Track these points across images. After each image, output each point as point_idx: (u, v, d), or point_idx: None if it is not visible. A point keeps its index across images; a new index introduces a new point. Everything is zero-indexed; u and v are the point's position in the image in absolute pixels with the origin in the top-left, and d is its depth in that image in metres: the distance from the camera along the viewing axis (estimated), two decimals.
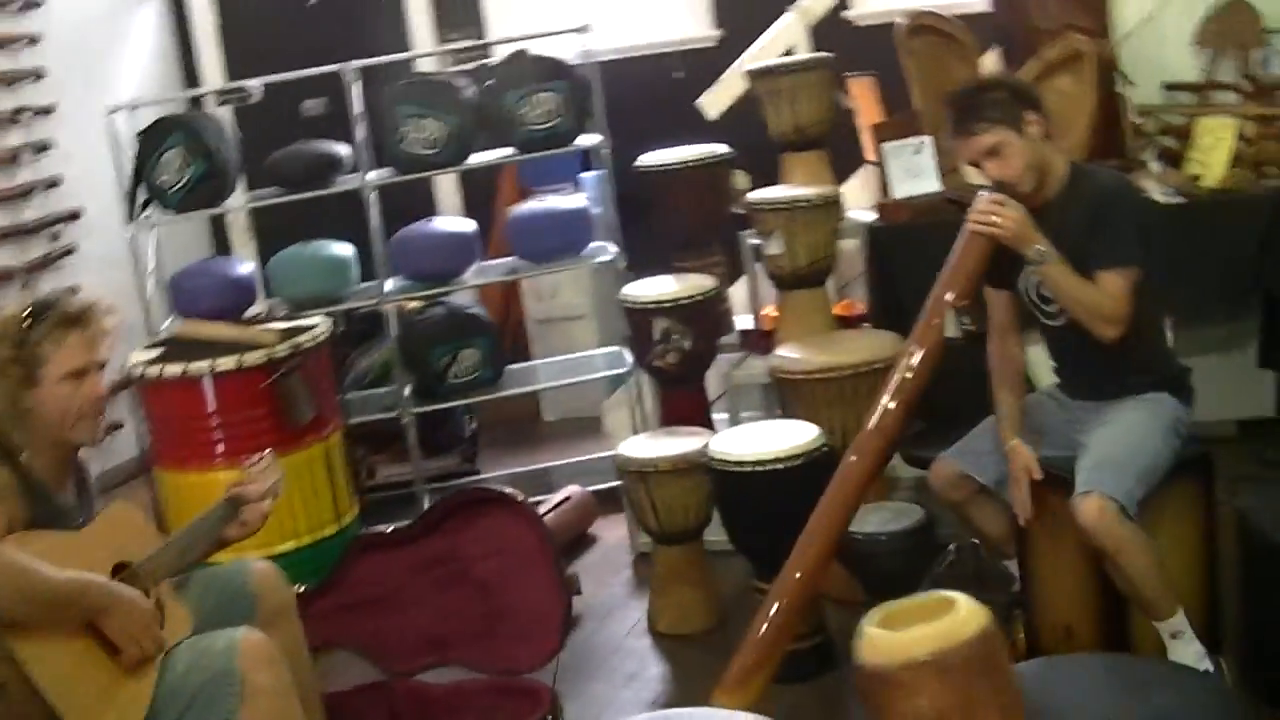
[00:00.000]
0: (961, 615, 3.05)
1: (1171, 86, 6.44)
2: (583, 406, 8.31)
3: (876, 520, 4.96)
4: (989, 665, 3.06)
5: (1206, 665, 4.33)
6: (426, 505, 6.74)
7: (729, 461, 5.18)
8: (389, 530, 5.27)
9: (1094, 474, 4.33)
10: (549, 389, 8.00)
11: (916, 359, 4.49)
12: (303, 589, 5.12)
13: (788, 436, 5.26)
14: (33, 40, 7.87)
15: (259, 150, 7.22)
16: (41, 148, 7.91)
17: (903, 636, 3.04)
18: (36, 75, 7.94)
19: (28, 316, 3.89)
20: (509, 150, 7.00)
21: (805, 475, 5.01)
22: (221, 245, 9.20)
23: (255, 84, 6.95)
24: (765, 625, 4.36)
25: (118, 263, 7.17)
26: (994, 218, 4.41)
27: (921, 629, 3.03)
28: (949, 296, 4.48)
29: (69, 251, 7.99)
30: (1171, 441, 4.49)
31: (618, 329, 7.00)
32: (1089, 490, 4.29)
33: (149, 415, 6.07)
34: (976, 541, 5.26)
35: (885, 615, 3.20)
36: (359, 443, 7.31)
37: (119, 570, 3.91)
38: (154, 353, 6.10)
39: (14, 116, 7.78)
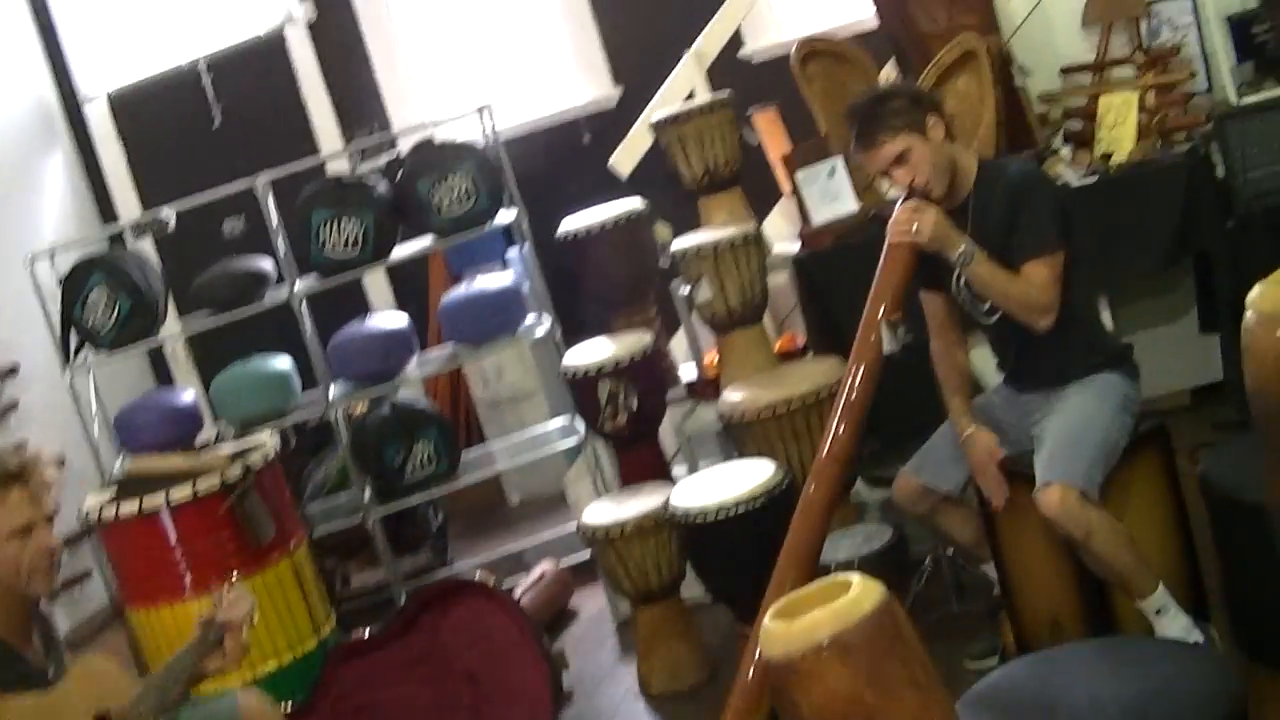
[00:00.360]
0: (856, 594, 3.03)
1: (1068, 70, 6.47)
2: (545, 483, 8.28)
3: (849, 545, 4.96)
4: (893, 639, 3.02)
5: (1196, 635, 4.33)
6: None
7: (692, 513, 5.16)
8: (366, 635, 5.24)
9: (1052, 464, 4.34)
10: (508, 470, 7.97)
11: (858, 378, 4.49)
12: (290, 707, 5.09)
13: (747, 478, 5.24)
14: None
15: (184, 276, 7.21)
16: None
17: (800, 624, 3.00)
18: None
19: None
20: (429, 239, 6.99)
21: (771, 513, 5.01)
22: (161, 375, 9.16)
23: (169, 211, 6.93)
24: (752, 669, 4.34)
25: (60, 409, 7.13)
26: (912, 225, 4.42)
27: (817, 614, 3.00)
28: (881, 311, 4.47)
29: (11, 407, 7.95)
30: (1123, 419, 4.50)
31: (566, 400, 6.98)
32: (1049, 480, 4.29)
33: (113, 557, 6.03)
34: (951, 552, 5.25)
35: (783, 606, 3.16)
36: (328, 553, 7.28)
37: None
38: (108, 493, 6.06)
39: None
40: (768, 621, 3.10)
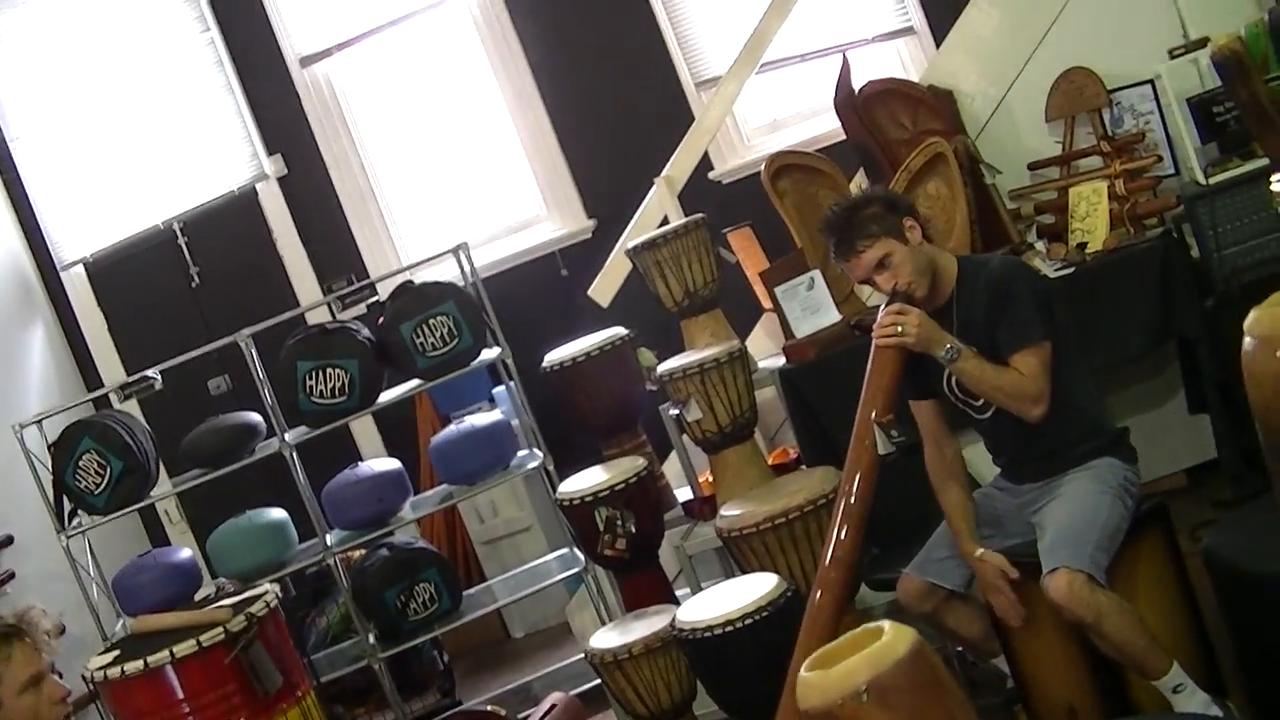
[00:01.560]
0: (889, 638, 3.03)
1: (1035, 165, 6.56)
2: (548, 615, 8.27)
3: None
4: (929, 680, 3.03)
5: (1215, 711, 4.32)
6: None
7: (699, 629, 5.14)
8: None
9: (1057, 550, 4.35)
10: (509, 604, 7.94)
11: (855, 484, 4.50)
12: None
13: (751, 590, 5.23)
14: None
15: (173, 435, 7.21)
16: None
17: (837, 671, 3.01)
18: None
19: None
20: (415, 381, 7.01)
21: (776, 623, 4.99)
22: (155, 535, 9.15)
23: (154, 372, 6.95)
24: None
25: (58, 577, 7.12)
26: (897, 328, 4.46)
27: (853, 660, 3.00)
28: (873, 415, 4.49)
29: (9, 577, 7.94)
30: (1125, 501, 4.52)
31: (563, 531, 6.98)
32: (1056, 567, 4.30)
33: (120, 717, 5.97)
34: (960, 649, 5.24)
35: (818, 657, 3.15)
36: (336, 701, 7.24)
37: None
38: (111, 655, 6.02)
39: None
40: (804, 672, 3.10)
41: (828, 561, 4.53)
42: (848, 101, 6.63)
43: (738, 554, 5.75)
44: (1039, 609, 4.49)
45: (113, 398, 7.18)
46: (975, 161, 6.35)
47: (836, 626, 4.53)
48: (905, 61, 7.93)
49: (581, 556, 6.76)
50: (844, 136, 6.82)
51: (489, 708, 5.15)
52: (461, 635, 7.63)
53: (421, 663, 7.63)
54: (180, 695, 5.72)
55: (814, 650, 4.40)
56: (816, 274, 6.37)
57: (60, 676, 4.00)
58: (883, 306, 4.59)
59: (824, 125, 7.55)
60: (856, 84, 6.68)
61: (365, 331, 6.94)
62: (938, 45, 7.42)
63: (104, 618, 6.86)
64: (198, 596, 6.95)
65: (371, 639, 7.03)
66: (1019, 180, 6.60)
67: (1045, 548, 4.39)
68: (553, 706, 6.68)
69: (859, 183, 6.81)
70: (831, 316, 6.35)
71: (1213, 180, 5.97)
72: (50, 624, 4.01)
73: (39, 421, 6.97)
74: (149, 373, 6.94)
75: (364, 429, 8.90)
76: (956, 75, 6.79)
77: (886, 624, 3.10)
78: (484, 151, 9.04)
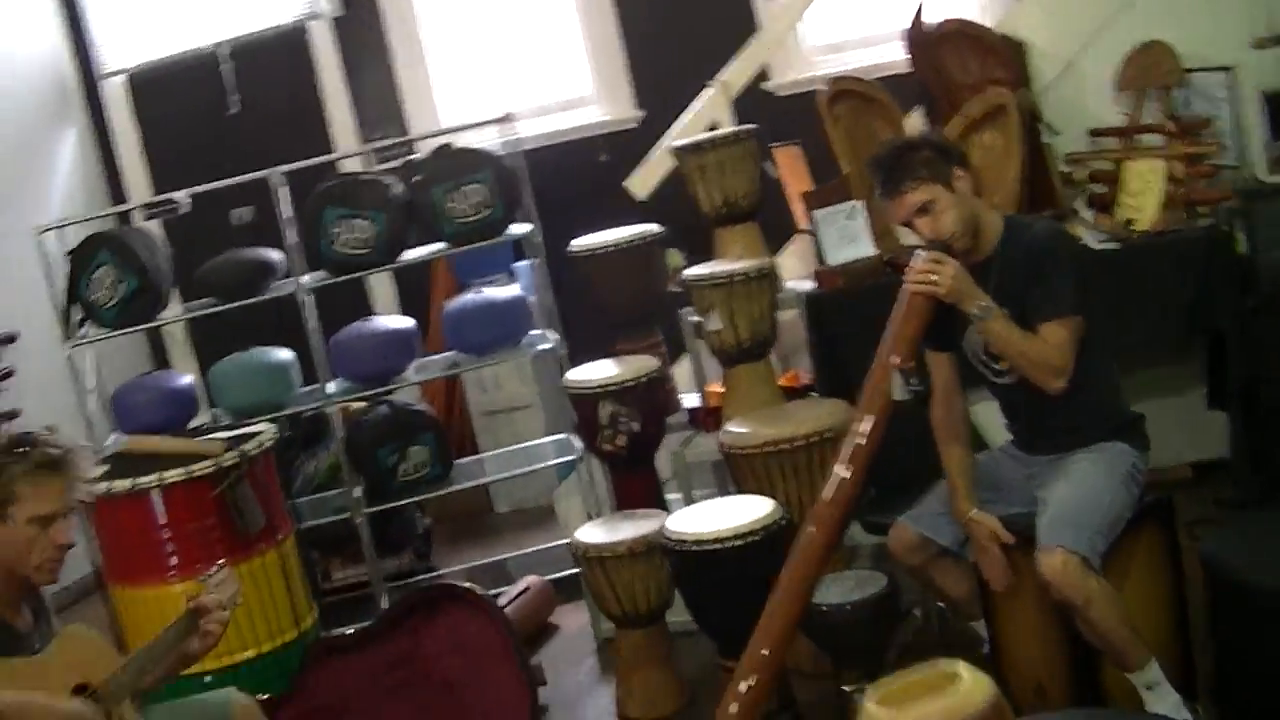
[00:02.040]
0: (966, 687, 2.96)
1: (1097, 133, 6.46)
2: (534, 496, 8.27)
3: (840, 590, 4.91)
4: None
5: (1184, 715, 4.30)
6: (385, 605, 6.69)
7: (687, 541, 5.13)
8: (350, 632, 5.22)
9: (1055, 528, 4.32)
10: (499, 480, 7.94)
11: (866, 425, 4.45)
12: (265, 697, 5.06)
13: (744, 512, 5.21)
14: None
15: (191, 261, 7.18)
16: None
17: (908, 717, 2.94)
18: None
19: (8, 449, 3.84)
20: (440, 245, 6.97)
21: (765, 550, 4.97)
22: (160, 359, 9.16)
23: (182, 196, 6.90)
24: (735, 704, 4.31)
25: (57, 382, 7.11)
26: (932, 276, 4.39)
27: (927, 708, 2.92)
28: (894, 359, 4.44)
29: (8, 374, 7.94)
30: (1130, 489, 4.48)
31: (564, 416, 6.97)
32: (1051, 545, 4.27)
33: (100, 533, 5.98)
34: (941, 605, 5.23)
35: (885, 694, 3.07)
36: (313, 546, 7.26)
37: (79, 691, 3.86)
38: (100, 469, 6.02)
39: None
40: (872, 707, 3.03)
41: (829, 498, 4.49)
42: (918, 36, 6.55)
43: (736, 472, 5.74)
44: (1025, 581, 4.46)
45: (136, 215, 7.15)
46: (1035, 119, 6.27)
47: (825, 563, 4.52)
48: (983, 3, 7.82)
49: (579, 445, 6.75)
50: (907, 70, 6.72)
51: (467, 584, 5.14)
52: (445, 500, 7.63)
53: (402, 523, 7.65)
54: (163, 521, 5.76)
55: (797, 581, 4.43)
56: (859, 204, 6.31)
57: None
58: (919, 252, 4.53)
59: (887, 55, 7.43)
60: (930, 20, 6.59)
61: (398, 188, 6.90)
62: None
63: (97, 432, 6.86)
64: (192, 425, 6.94)
65: (358, 493, 7.03)
66: (1076, 144, 6.50)
67: (1045, 523, 4.36)
68: (526, 589, 6.70)
69: (916, 120, 6.73)
70: (867, 249, 6.30)
71: (1275, 179, 5.88)
72: (91, 468, 3.97)
73: (60, 227, 6.94)
74: (176, 195, 6.90)
75: (381, 284, 8.86)
76: (1032, 27, 6.68)
77: (962, 669, 3.01)
78: (542, 25, 8.94)
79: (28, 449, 3.84)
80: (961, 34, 6.50)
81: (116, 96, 9.22)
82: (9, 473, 3.80)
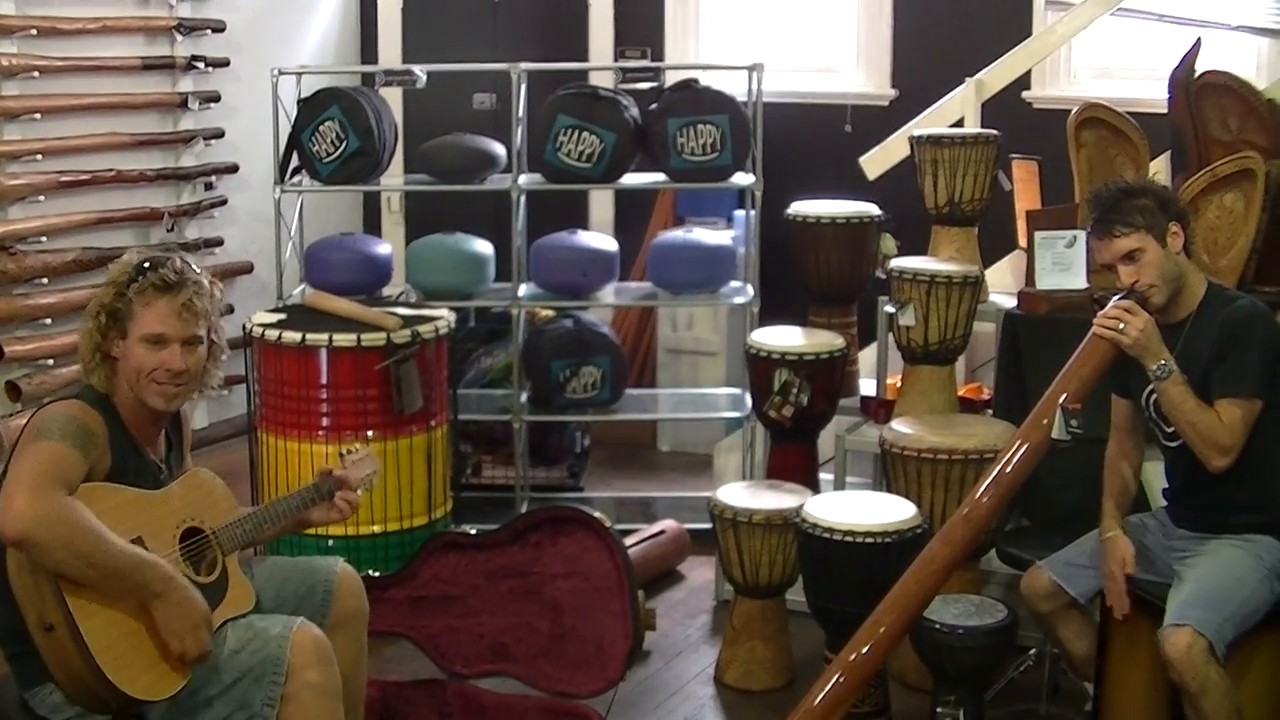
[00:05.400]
0: None
1: None
2: (699, 442, 8.24)
3: (958, 612, 4.84)
4: None
5: None
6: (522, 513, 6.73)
7: (820, 526, 5.09)
8: (472, 532, 5.24)
9: (1187, 608, 4.22)
10: (664, 419, 7.94)
11: (1018, 454, 4.39)
12: (376, 575, 5.13)
13: (884, 511, 5.17)
14: None
15: (420, 136, 7.24)
16: (210, 99, 8.03)
17: None
18: (215, 28, 8.05)
19: (137, 269, 3.91)
20: (661, 176, 6.98)
21: (894, 554, 4.92)
22: (370, 224, 9.26)
23: (421, 70, 6.96)
24: (820, 697, 4.28)
25: (262, 222, 7.25)
26: (1120, 324, 4.31)
27: None
28: (1062, 398, 4.36)
29: (222, 202, 8.11)
30: (1272, 586, 4.35)
31: (744, 372, 6.94)
32: (1180, 623, 4.18)
33: (261, 377, 6.09)
34: (1057, 653, 5.13)
35: None
36: (468, 439, 7.33)
37: (189, 535, 3.92)
38: (276, 317, 6.13)
39: (190, 63, 7.91)
40: None
41: (960, 516, 4.44)
42: (1183, 82, 6.35)
43: (890, 470, 5.67)
44: (1142, 652, 4.38)
45: (377, 78, 7.22)
46: None
47: (944, 579, 4.47)
48: (1260, 63, 7.58)
49: (750, 404, 6.71)
50: (1164, 111, 6.54)
51: (597, 514, 5.14)
52: (610, 426, 7.67)
53: (563, 437, 7.69)
54: (323, 381, 5.86)
55: (910, 593, 4.38)
56: (1081, 234, 6.16)
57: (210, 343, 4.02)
58: (1115, 297, 4.44)
59: (1149, 91, 7.25)
60: (1199, 67, 6.40)
61: (634, 110, 6.91)
62: None
63: (286, 279, 6.97)
64: (380, 294, 7.03)
65: (524, 398, 7.08)
66: None
67: (1179, 599, 4.25)
68: (660, 532, 6.70)
69: (1161, 164, 6.56)
70: (1079, 281, 6.14)
71: None
72: (212, 301, 4.01)
73: (298, 74, 7.04)
74: (415, 69, 6.97)
75: (601, 201, 8.87)
76: None
77: None
78: None
79: (152, 270, 3.90)
80: (1227, 88, 6.29)
81: None
82: (131, 290, 3.87)
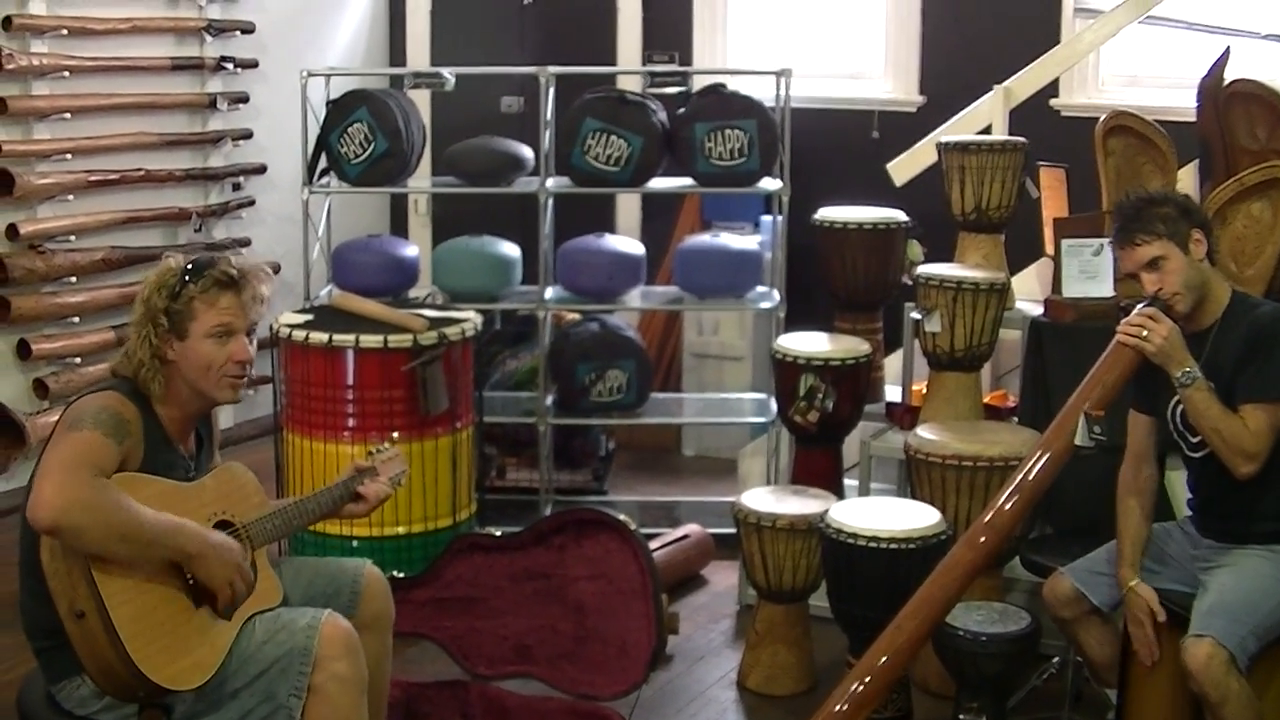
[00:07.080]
0: None
1: None
2: (723, 447, 8.26)
3: (980, 618, 4.84)
4: None
5: None
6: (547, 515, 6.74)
7: (844, 532, 5.10)
8: (497, 534, 5.26)
9: (1210, 618, 4.22)
10: (689, 423, 7.95)
11: (1041, 462, 4.40)
12: (400, 575, 5.14)
13: (909, 517, 5.17)
14: None
15: (448, 138, 7.26)
16: (239, 99, 8.07)
17: None
18: (244, 29, 8.09)
19: (188, 270, 3.93)
20: (689, 181, 6.99)
21: (917, 560, 4.92)
22: (397, 226, 9.29)
23: (449, 73, 6.98)
24: (842, 702, 4.29)
25: (289, 223, 7.27)
26: (1144, 331, 4.32)
27: None
28: (1086, 405, 4.36)
29: (250, 203, 8.14)
30: None
31: (771, 376, 6.94)
32: (1202, 634, 4.17)
33: (288, 377, 6.12)
34: (1080, 660, 5.13)
35: None
36: (493, 442, 7.34)
37: (220, 528, 3.93)
38: (303, 317, 6.15)
39: (219, 64, 7.94)
40: None
41: (984, 522, 4.45)
42: (1212, 90, 6.35)
43: (914, 477, 5.68)
44: (1167, 662, 4.37)
45: (406, 80, 7.25)
46: None
47: (967, 585, 4.48)
48: None
49: (775, 409, 6.72)
50: (1193, 119, 6.54)
51: (622, 517, 5.15)
52: (635, 430, 7.69)
53: (586, 441, 7.70)
54: (349, 382, 5.88)
55: (932, 598, 4.39)
56: (1109, 243, 6.15)
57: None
58: (1140, 305, 4.44)
59: (1177, 99, 7.23)
60: (1228, 76, 6.40)
61: (661, 115, 6.93)
62: None
63: (314, 280, 6.99)
64: (408, 295, 7.05)
65: (549, 401, 7.09)
66: None
67: (1202, 610, 4.25)
68: (684, 536, 6.71)
69: (1188, 173, 6.56)
70: (1105, 289, 6.15)
71: None
72: (268, 289, 4.05)
73: (327, 76, 7.07)
74: (444, 71, 6.99)
75: (628, 205, 8.89)
76: None
77: None
78: None
79: (206, 269, 3.92)
80: (1256, 97, 6.29)
81: None
82: (188, 292, 3.90)
